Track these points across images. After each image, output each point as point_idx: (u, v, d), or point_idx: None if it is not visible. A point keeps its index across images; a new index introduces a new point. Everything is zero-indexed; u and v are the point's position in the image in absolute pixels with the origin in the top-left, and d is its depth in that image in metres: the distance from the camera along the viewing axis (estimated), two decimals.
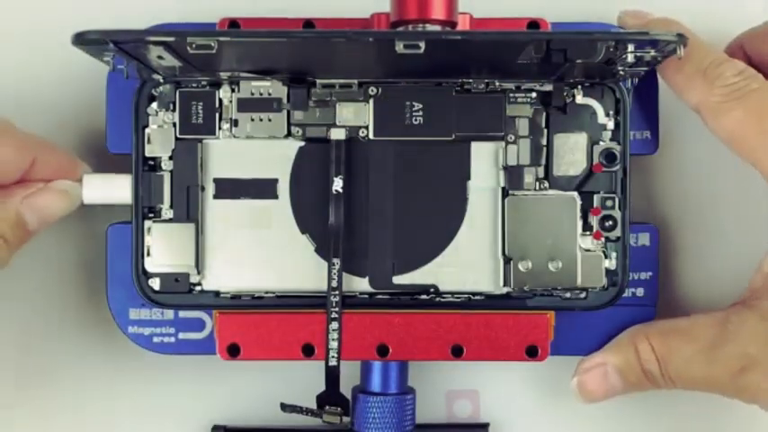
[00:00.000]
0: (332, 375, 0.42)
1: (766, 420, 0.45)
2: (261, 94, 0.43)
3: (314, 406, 0.43)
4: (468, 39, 0.37)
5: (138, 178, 0.43)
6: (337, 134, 0.43)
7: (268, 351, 0.44)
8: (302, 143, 0.43)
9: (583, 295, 0.43)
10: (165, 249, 0.43)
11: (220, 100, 0.43)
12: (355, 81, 0.42)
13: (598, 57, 0.38)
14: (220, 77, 0.42)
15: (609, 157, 0.42)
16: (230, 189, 0.43)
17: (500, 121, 0.43)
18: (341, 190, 0.42)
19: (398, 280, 0.43)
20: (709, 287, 0.48)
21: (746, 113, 0.41)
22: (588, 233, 0.43)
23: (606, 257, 0.43)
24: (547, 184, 0.43)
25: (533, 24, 0.44)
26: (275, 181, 0.43)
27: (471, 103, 0.43)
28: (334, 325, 0.42)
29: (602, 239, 0.43)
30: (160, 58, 0.38)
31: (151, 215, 0.43)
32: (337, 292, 0.42)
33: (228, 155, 0.43)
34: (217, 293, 0.43)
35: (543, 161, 0.43)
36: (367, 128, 0.43)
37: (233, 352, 0.44)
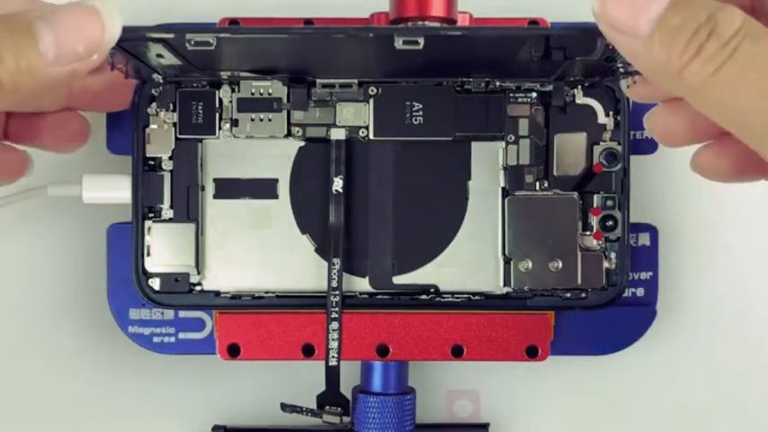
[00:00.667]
0: (332, 375, 0.42)
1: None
2: (261, 94, 0.43)
3: (314, 406, 0.43)
4: (467, 34, 0.37)
5: (138, 178, 0.43)
6: (337, 134, 0.43)
7: (268, 351, 0.44)
8: (302, 143, 0.43)
9: (583, 295, 0.43)
10: (165, 249, 0.43)
11: (220, 100, 0.43)
12: (355, 81, 0.42)
13: (597, 54, 0.38)
14: (220, 77, 0.42)
15: (609, 157, 0.42)
16: (230, 189, 0.43)
17: (500, 121, 0.43)
18: (341, 190, 0.42)
19: (398, 280, 0.43)
20: (710, 287, 0.48)
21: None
22: (588, 233, 0.43)
23: (606, 257, 0.43)
24: (547, 184, 0.43)
25: (533, 24, 0.44)
26: (275, 181, 0.43)
27: (471, 103, 0.42)
28: (335, 325, 0.42)
29: (603, 239, 0.43)
30: (159, 56, 0.38)
31: (151, 215, 0.43)
32: (337, 292, 0.42)
33: (228, 155, 0.43)
34: (217, 293, 0.43)
35: (543, 161, 0.43)
36: (367, 128, 0.43)
37: (233, 352, 0.44)
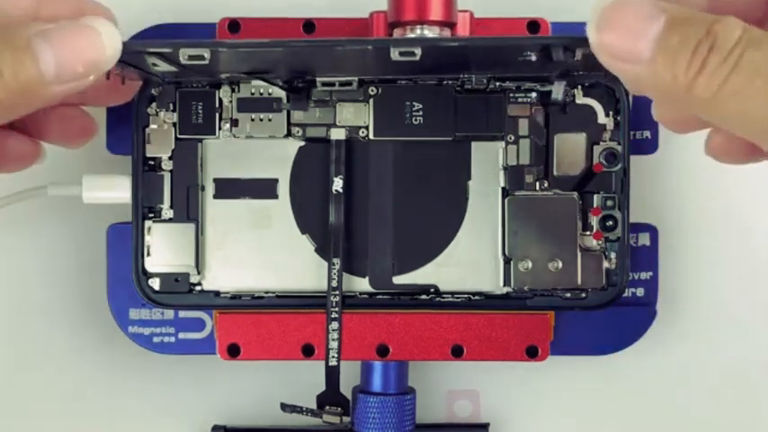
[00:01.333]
0: (332, 375, 0.42)
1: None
2: (261, 94, 0.43)
3: (314, 406, 0.43)
4: (464, 45, 0.37)
5: (138, 178, 0.43)
6: (337, 134, 0.43)
7: (268, 351, 0.44)
8: (302, 143, 0.43)
9: (583, 295, 0.43)
10: (165, 249, 0.43)
11: (220, 100, 0.43)
12: (355, 79, 0.42)
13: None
14: (220, 78, 0.42)
15: (609, 157, 0.42)
16: (230, 189, 0.43)
17: (500, 121, 0.43)
18: (341, 190, 0.42)
19: (398, 280, 0.43)
20: (710, 287, 0.48)
21: None
22: (588, 233, 0.43)
23: (606, 257, 0.43)
24: (547, 184, 0.43)
25: (533, 24, 0.44)
26: (275, 181, 0.43)
27: (471, 103, 0.42)
28: (334, 325, 0.42)
29: (602, 239, 0.43)
30: (155, 65, 0.38)
31: (151, 215, 0.43)
32: (337, 292, 0.42)
33: (228, 155, 0.43)
34: (217, 293, 0.43)
35: (543, 161, 0.43)
36: (367, 128, 0.43)
37: (233, 352, 0.44)
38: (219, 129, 0.43)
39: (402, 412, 0.45)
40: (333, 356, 0.42)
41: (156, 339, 0.45)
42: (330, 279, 0.42)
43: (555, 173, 0.43)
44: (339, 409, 0.42)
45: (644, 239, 0.46)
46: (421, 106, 0.42)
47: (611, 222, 0.43)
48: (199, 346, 0.45)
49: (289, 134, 0.43)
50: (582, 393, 0.48)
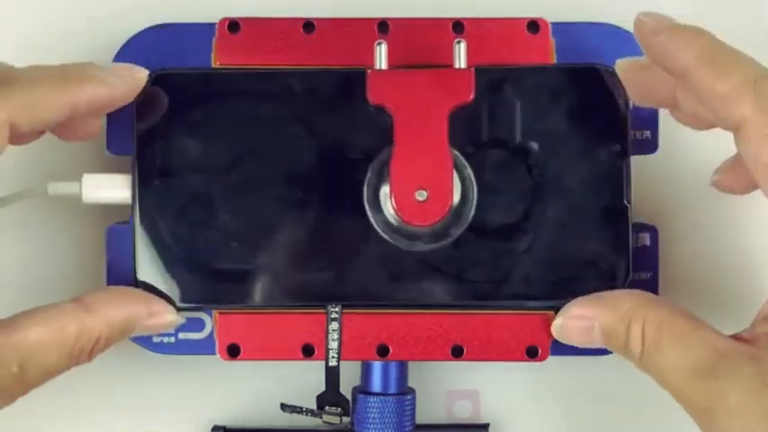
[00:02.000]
0: (332, 375, 0.42)
1: None
2: None
3: (314, 406, 0.43)
4: None
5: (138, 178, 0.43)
6: None
7: (268, 351, 0.44)
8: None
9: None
10: None
11: None
12: None
13: None
14: None
15: None
16: None
17: None
18: None
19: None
20: (709, 287, 0.48)
21: None
22: None
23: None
24: None
25: (533, 24, 0.44)
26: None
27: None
28: (334, 325, 0.42)
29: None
30: None
31: None
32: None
33: None
34: None
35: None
36: None
37: (233, 352, 0.44)
38: None
39: (402, 412, 0.45)
40: (333, 357, 0.42)
41: (155, 339, 0.45)
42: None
43: None
44: (339, 409, 0.43)
45: (644, 239, 0.46)
46: None
47: None
48: (199, 346, 0.45)
49: None
50: (582, 393, 0.48)
